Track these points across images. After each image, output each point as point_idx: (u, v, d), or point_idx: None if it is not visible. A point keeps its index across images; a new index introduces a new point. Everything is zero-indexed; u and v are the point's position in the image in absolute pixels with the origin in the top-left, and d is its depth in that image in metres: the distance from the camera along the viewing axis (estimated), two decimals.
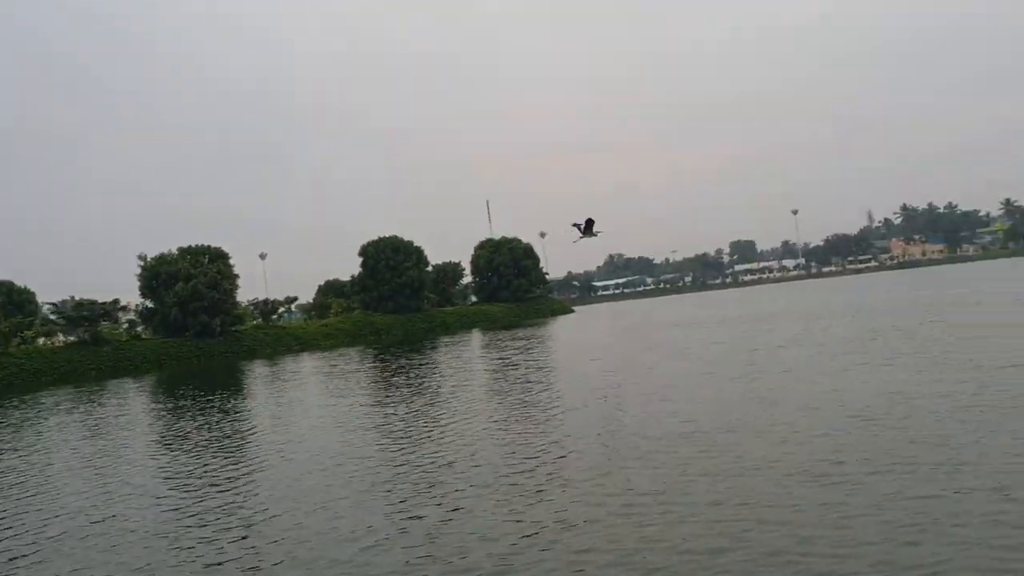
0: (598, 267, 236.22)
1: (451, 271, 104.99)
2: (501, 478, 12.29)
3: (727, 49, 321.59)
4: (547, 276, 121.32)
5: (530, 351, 41.26)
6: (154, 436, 22.17)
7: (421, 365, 38.59)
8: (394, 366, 39.09)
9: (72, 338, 61.54)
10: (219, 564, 9.52)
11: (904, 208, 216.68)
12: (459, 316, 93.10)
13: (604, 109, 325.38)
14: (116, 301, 65.44)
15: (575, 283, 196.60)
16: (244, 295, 78.21)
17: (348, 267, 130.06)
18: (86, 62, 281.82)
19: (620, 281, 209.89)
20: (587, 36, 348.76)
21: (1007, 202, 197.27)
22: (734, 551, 8.15)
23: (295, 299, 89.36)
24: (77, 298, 64.43)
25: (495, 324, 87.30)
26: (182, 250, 70.40)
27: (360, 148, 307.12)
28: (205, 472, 15.46)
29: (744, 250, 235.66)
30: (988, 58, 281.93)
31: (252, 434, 20.46)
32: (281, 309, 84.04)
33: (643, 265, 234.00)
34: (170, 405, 30.73)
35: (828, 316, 43.97)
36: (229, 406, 27.94)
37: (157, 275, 67.43)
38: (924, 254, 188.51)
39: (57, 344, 62.04)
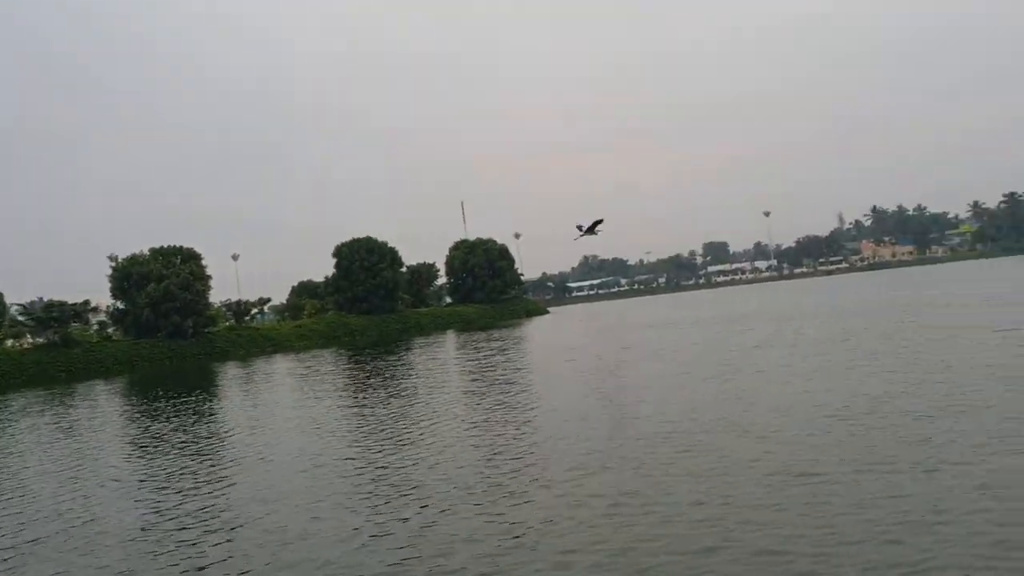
0: (572, 268, 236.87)
1: (425, 272, 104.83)
2: (484, 480, 12.31)
3: (727, 49, 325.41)
4: (522, 277, 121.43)
5: (506, 352, 41.30)
6: (129, 439, 21.96)
7: (397, 366, 38.50)
8: (370, 368, 38.97)
9: (41, 340, 60.76)
10: (203, 568, 9.46)
11: (874, 210, 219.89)
12: (434, 317, 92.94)
13: (604, 109, 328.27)
14: (87, 302, 64.71)
15: (550, 284, 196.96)
16: (217, 296, 77.78)
17: (322, 268, 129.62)
18: (86, 62, 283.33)
19: (595, 282, 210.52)
20: (587, 36, 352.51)
21: (975, 204, 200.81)
22: (721, 551, 8.23)
23: (268, 300, 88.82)
24: (46, 299, 63.67)
25: (470, 325, 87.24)
26: (154, 251, 69.73)
27: (360, 148, 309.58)
28: (183, 475, 15.35)
29: (717, 251, 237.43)
30: (988, 58, 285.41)
31: (229, 436, 20.32)
32: (254, 310, 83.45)
33: (617, 266, 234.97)
34: (144, 407, 30.42)
35: (800, 317, 44.41)
36: (204, 408, 27.74)
37: (128, 276, 66.75)
38: (894, 255, 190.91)
39: (25, 346, 61.21)
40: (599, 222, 17.38)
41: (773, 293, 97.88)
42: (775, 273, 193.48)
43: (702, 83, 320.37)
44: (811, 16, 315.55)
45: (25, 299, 67.85)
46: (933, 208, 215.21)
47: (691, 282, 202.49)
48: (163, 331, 65.37)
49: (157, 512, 12.40)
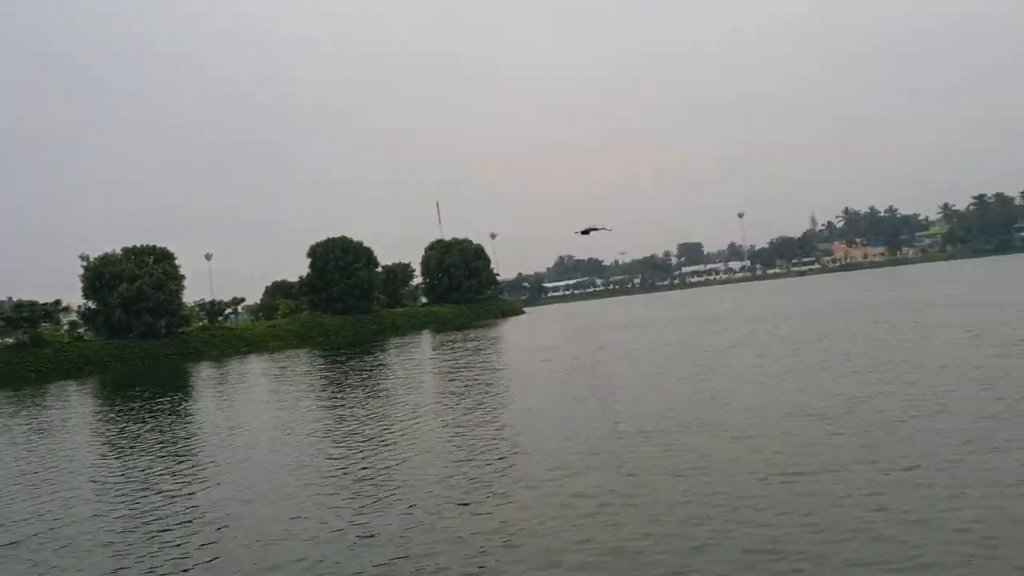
0: (548, 268, 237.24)
1: (401, 272, 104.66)
2: (468, 480, 12.34)
3: (727, 49, 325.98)
4: (498, 277, 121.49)
5: (483, 352, 41.34)
6: (105, 440, 21.75)
7: (374, 367, 38.44)
8: (346, 368, 38.85)
9: (11, 340, 60.00)
10: (187, 570, 9.44)
11: (846, 211, 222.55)
12: (409, 317, 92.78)
13: (604, 109, 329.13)
14: (57, 302, 63.95)
15: (525, 284, 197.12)
16: (191, 296, 77.21)
17: (297, 268, 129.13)
18: (86, 62, 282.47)
19: (570, 282, 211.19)
20: (587, 36, 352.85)
21: (945, 206, 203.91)
22: (709, 549, 8.32)
23: (242, 300, 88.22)
24: (16, 299, 62.89)
25: (446, 325, 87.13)
26: (126, 250, 69.05)
27: (360, 148, 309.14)
28: (163, 475, 15.25)
29: (691, 252, 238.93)
30: (988, 58, 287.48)
31: (207, 437, 20.21)
32: (228, 310, 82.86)
33: (592, 267, 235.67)
34: (118, 408, 30.11)
35: (774, 318, 44.82)
36: (180, 408, 27.56)
37: (101, 275, 66.02)
38: (865, 257, 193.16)
39: None
40: (596, 229, 17.91)
41: (746, 294, 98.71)
42: (748, 274, 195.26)
43: (702, 83, 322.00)
44: (811, 16, 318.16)
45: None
46: (904, 210, 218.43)
47: (666, 283, 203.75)
48: (135, 331, 64.73)
49: (138, 513, 12.30)
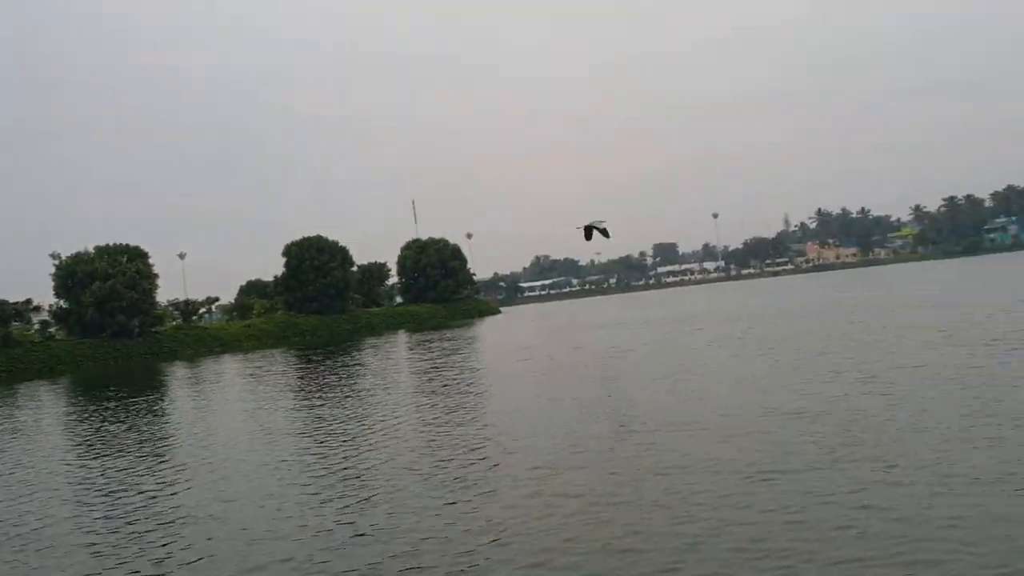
0: (524, 268, 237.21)
1: (377, 271, 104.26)
2: (452, 479, 12.35)
3: (727, 49, 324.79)
4: (474, 277, 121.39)
5: (460, 352, 41.36)
6: (81, 440, 21.48)
7: (350, 367, 38.30)
8: (322, 368, 38.68)
9: None
10: (170, 571, 9.38)
11: (819, 212, 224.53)
12: (385, 317, 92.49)
13: (604, 109, 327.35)
14: (28, 301, 63.10)
15: (502, 284, 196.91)
16: (165, 295, 76.50)
17: (272, 267, 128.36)
18: (87, 62, 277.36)
19: (546, 282, 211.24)
20: (587, 36, 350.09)
21: (916, 208, 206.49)
22: (697, 547, 8.39)
23: (216, 299, 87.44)
24: None
25: (422, 325, 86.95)
26: (99, 249, 68.10)
27: (360, 148, 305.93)
28: (142, 475, 15.12)
29: (666, 252, 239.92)
30: (988, 58, 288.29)
31: (186, 437, 20.04)
32: (202, 310, 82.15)
33: (568, 267, 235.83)
34: (92, 408, 29.74)
35: (748, 318, 45.21)
36: (156, 408, 27.33)
37: (73, 274, 65.13)
38: (838, 257, 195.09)
39: None
40: (597, 229, 18.14)
41: (721, 294, 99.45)
42: (723, 274, 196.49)
43: (702, 83, 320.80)
44: (811, 16, 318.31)
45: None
46: (876, 211, 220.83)
47: (641, 283, 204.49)
48: (108, 330, 63.95)
49: (119, 514, 12.18)
